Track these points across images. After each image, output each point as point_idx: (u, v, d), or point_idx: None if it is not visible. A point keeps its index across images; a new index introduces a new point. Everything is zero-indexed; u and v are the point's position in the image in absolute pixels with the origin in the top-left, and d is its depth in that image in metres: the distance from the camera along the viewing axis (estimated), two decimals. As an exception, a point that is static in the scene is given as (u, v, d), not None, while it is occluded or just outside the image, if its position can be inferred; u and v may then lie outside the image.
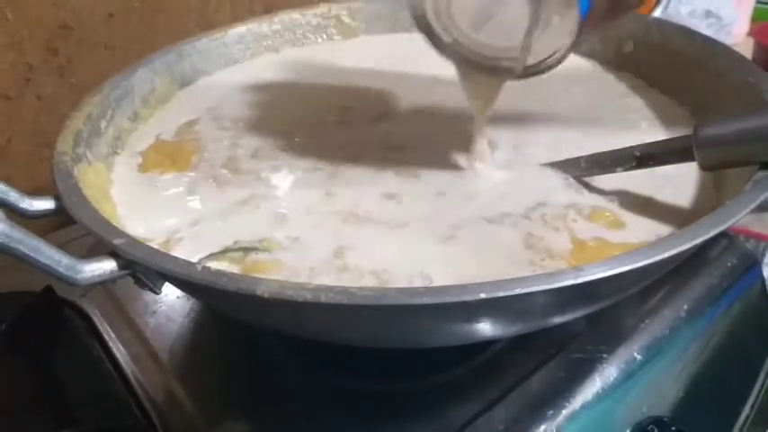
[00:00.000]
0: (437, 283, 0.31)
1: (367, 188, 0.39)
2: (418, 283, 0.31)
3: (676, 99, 0.45)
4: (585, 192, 0.37)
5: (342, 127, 0.46)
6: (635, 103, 0.46)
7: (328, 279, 0.31)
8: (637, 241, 0.33)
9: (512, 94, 0.42)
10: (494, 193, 0.38)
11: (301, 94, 0.51)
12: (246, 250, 0.34)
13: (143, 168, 0.42)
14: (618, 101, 0.47)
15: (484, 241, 0.33)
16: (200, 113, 0.48)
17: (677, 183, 0.37)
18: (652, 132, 0.42)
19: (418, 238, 0.34)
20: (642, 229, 0.34)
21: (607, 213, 0.35)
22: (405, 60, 0.54)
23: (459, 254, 0.33)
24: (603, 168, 0.37)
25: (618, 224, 0.34)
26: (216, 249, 0.34)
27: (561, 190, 0.37)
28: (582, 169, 0.38)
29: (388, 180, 0.39)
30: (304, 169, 0.41)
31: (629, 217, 0.35)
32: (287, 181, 0.40)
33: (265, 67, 0.55)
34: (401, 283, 0.31)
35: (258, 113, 0.48)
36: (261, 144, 0.44)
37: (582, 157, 0.38)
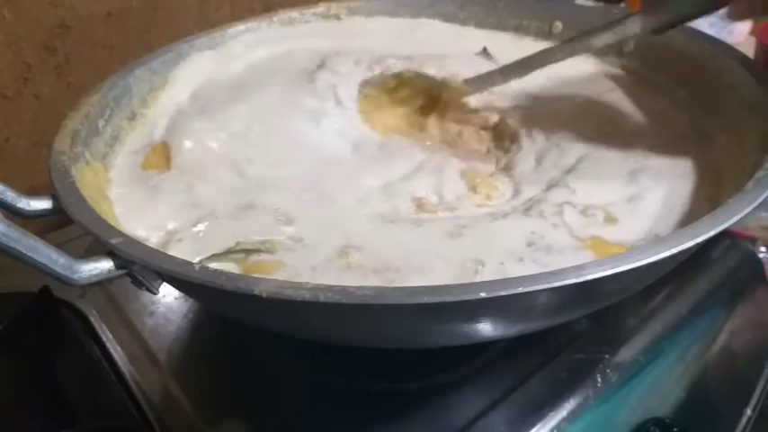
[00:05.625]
0: (440, 281, 0.30)
1: (370, 186, 0.38)
2: (421, 282, 0.30)
3: (678, 98, 0.45)
4: (584, 191, 0.37)
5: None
6: (636, 102, 0.46)
7: (331, 279, 0.31)
8: (635, 239, 0.33)
9: (511, 93, 0.41)
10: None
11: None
12: (249, 251, 0.33)
13: (141, 168, 0.41)
14: (617, 99, 0.46)
15: (486, 240, 0.33)
16: (199, 113, 0.47)
17: (675, 181, 0.36)
18: (652, 131, 0.42)
19: (423, 236, 0.34)
20: (640, 228, 0.33)
21: (607, 211, 0.35)
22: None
23: (462, 253, 0.32)
24: (522, 70, 0.41)
25: (615, 222, 0.34)
26: (217, 250, 0.33)
27: (559, 190, 0.37)
28: (501, 77, 0.42)
29: (392, 177, 0.39)
30: (306, 168, 0.40)
31: (627, 215, 0.34)
32: (289, 180, 0.39)
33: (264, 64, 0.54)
34: (405, 282, 0.30)
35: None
36: (260, 143, 0.43)
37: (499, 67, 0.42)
